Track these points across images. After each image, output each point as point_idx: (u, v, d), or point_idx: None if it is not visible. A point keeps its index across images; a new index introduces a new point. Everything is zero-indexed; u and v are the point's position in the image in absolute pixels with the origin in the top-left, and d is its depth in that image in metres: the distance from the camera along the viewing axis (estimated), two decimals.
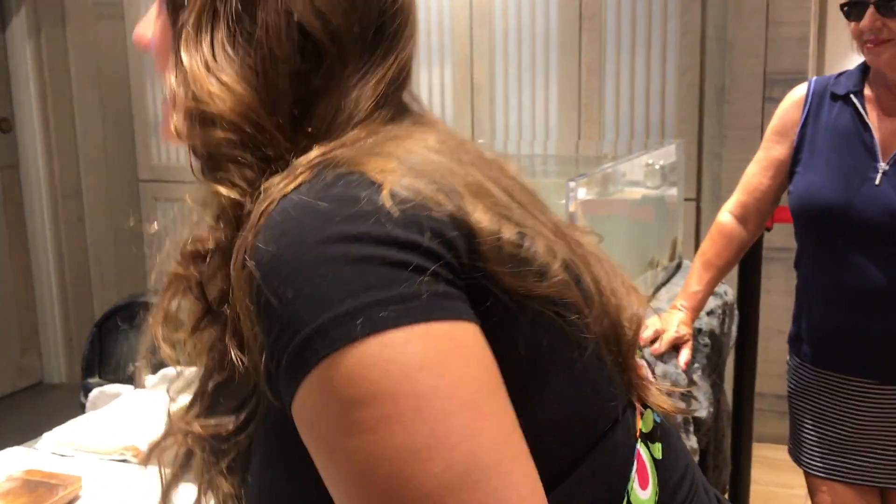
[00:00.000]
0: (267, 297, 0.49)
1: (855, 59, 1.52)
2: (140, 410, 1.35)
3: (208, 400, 0.58)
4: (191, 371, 0.63)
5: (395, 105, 0.64)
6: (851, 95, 1.48)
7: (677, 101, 2.92)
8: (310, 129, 0.58)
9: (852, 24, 1.41)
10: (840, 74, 1.54)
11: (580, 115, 3.05)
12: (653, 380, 0.65)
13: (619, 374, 0.60)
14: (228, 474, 0.57)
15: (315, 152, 0.55)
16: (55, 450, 1.22)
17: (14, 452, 1.22)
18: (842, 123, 1.48)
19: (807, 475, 1.60)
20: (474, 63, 3.18)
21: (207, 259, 0.57)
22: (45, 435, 1.25)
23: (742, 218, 1.61)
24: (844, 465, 1.53)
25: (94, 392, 1.81)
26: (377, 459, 0.46)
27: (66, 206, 3.90)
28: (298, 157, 0.56)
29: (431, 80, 3.27)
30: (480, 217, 0.52)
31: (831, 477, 1.54)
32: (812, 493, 1.60)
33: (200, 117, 0.57)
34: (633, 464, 0.58)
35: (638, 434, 0.60)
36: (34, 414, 3.65)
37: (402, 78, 0.66)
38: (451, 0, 3.16)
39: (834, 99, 1.50)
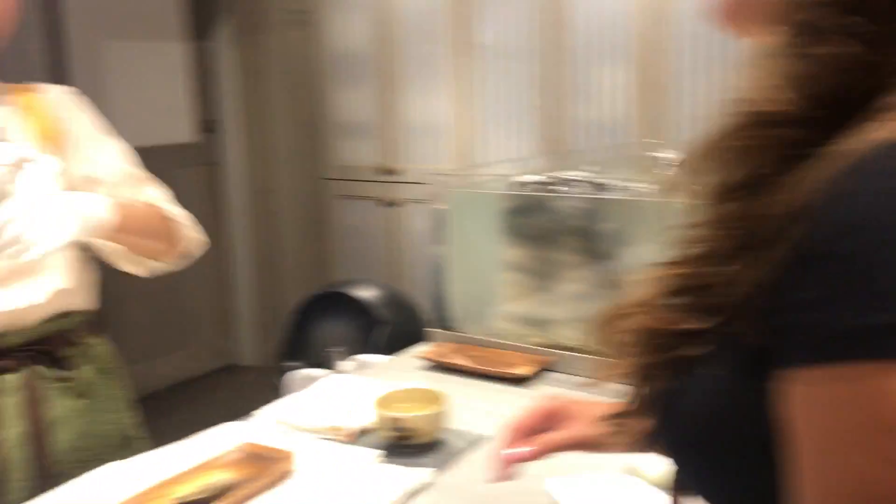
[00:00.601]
0: (843, 247, 0.41)
1: None
2: (338, 394, 1.45)
3: (685, 289, 0.54)
4: None
5: None
6: None
7: None
8: None
9: None
10: None
11: None
12: None
13: None
14: (665, 369, 0.55)
15: None
16: (267, 426, 1.33)
17: (233, 427, 1.34)
18: None
19: None
20: (658, 62, 3.13)
21: (765, 128, 0.49)
22: (260, 411, 1.37)
23: None
24: None
25: (293, 375, 1.95)
26: (874, 495, 0.41)
27: (261, 202, 4.19)
28: None
29: (615, 79, 3.25)
30: None
31: None
32: None
33: None
34: None
35: None
36: (227, 393, 3.95)
37: None
38: None
39: None
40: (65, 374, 1.29)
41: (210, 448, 1.22)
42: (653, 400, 0.58)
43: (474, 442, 1.27)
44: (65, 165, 1.30)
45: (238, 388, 3.99)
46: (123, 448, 1.36)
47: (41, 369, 1.27)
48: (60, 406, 1.28)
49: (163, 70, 3.88)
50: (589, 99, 3.31)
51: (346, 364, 1.78)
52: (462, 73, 3.63)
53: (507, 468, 0.91)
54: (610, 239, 1.58)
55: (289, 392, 1.90)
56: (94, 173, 1.34)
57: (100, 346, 1.38)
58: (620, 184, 1.69)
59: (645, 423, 0.60)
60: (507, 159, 3.48)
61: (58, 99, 1.35)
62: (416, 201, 3.87)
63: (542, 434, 0.91)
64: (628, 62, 3.20)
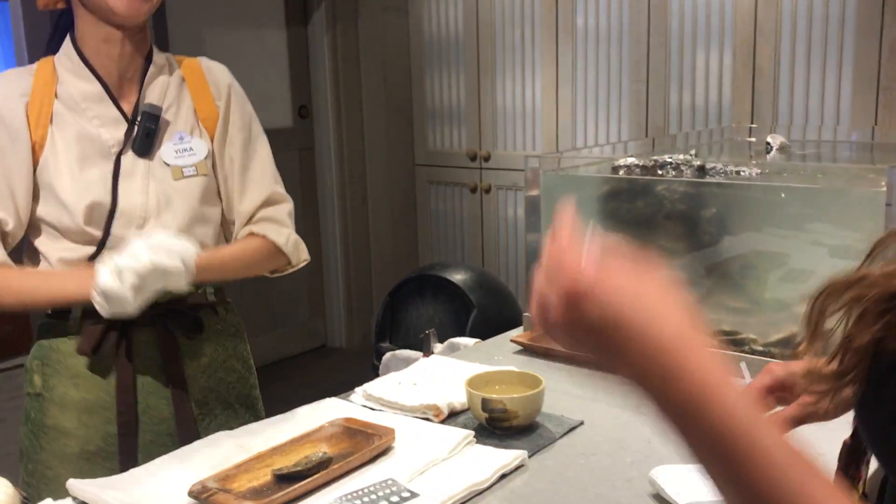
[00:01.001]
0: None
1: None
2: (432, 375, 1.46)
3: None
4: None
5: None
6: None
7: None
8: None
9: None
10: None
11: (878, 99, 2.80)
12: None
13: None
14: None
15: None
16: (366, 403, 1.35)
17: (331, 403, 1.37)
18: None
19: None
20: (757, 45, 3.03)
21: None
22: (357, 389, 1.39)
23: None
24: None
25: (387, 355, 1.98)
26: None
27: (351, 187, 4.25)
28: None
29: (709, 65, 3.16)
30: None
31: None
32: None
33: None
34: None
35: None
36: (320, 373, 4.04)
37: None
38: None
39: None
40: (194, 334, 1.42)
41: (309, 422, 1.25)
42: (881, 374, 0.59)
43: (568, 427, 1.26)
44: (212, 148, 1.43)
45: (330, 369, 4.07)
46: (245, 407, 1.50)
47: (172, 327, 1.40)
48: (189, 363, 1.42)
49: (261, 56, 3.97)
50: (685, 83, 3.23)
51: (439, 346, 1.80)
52: (555, 57, 3.59)
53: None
54: (711, 224, 1.53)
55: (383, 372, 1.93)
56: (234, 193, 1.46)
57: (227, 313, 1.51)
58: (721, 167, 1.65)
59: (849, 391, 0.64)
60: (602, 144, 3.43)
61: (217, 76, 1.47)
62: (508, 187, 3.86)
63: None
64: (727, 46, 3.10)
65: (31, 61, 1.43)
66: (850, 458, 0.73)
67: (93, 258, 1.34)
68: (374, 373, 2.04)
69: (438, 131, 4.12)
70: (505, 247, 3.92)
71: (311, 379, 3.89)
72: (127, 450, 1.36)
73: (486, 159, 3.90)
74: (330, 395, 1.40)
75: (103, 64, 1.37)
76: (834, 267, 1.38)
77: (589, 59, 3.49)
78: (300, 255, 1.50)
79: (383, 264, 4.31)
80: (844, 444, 0.76)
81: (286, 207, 1.51)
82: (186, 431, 1.38)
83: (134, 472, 1.15)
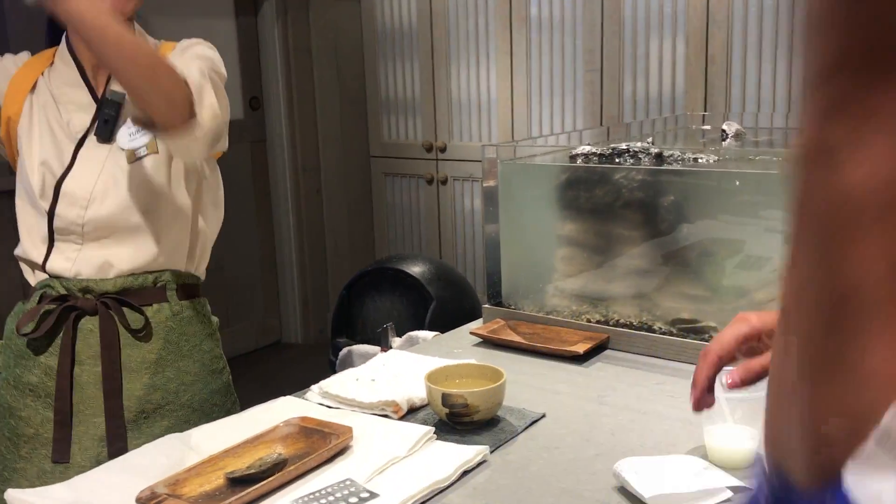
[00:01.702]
0: None
1: None
2: (390, 370, 1.43)
3: None
4: None
5: None
6: None
7: None
8: None
9: None
10: None
11: None
12: None
13: None
14: None
15: None
16: (322, 401, 1.31)
17: (286, 402, 1.32)
18: None
19: None
20: (710, 34, 3.04)
21: None
22: (313, 387, 1.35)
23: None
24: None
25: (344, 351, 1.94)
26: None
27: (305, 180, 4.18)
28: None
29: (663, 54, 3.17)
30: None
31: None
32: None
33: None
34: None
35: None
36: (274, 369, 3.97)
37: None
38: None
39: None
40: (137, 326, 1.42)
41: (263, 422, 1.21)
42: None
43: (530, 420, 1.24)
44: None
45: (286, 365, 4.01)
46: (199, 412, 1.48)
47: (117, 318, 1.40)
48: (131, 356, 1.42)
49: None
50: (639, 71, 3.23)
51: (397, 340, 1.76)
52: (510, 47, 3.56)
53: (709, 396, 0.95)
54: (669, 212, 1.52)
55: (340, 368, 1.89)
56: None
57: (187, 311, 1.49)
58: (679, 155, 1.64)
59: None
60: (558, 133, 3.42)
61: (185, 43, 1.47)
62: (465, 178, 3.84)
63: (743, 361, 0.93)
64: (679, 35, 3.11)
65: (15, 52, 1.53)
66: None
67: (49, 234, 1.41)
68: (331, 369, 2.00)
69: (393, 122, 4.07)
70: (462, 238, 3.90)
71: (267, 376, 3.83)
72: (61, 438, 1.38)
73: (443, 150, 3.87)
74: (286, 393, 1.36)
75: (83, 51, 1.44)
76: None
77: (543, 48, 3.47)
78: (203, 105, 1.33)
79: (339, 257, 4.25)
80: None
81: (199, 50, 1.43)
82: (114, 430, 1.38)
83: (76, 481, 1.10)
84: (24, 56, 1.50)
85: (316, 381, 1.37)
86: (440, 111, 3.85)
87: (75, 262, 1.42)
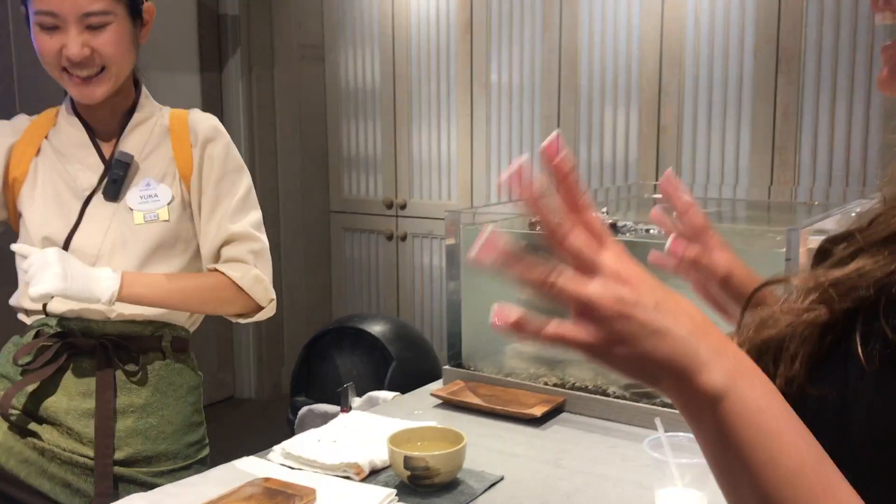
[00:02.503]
0: None
1: None
2: (351, 430, 1.45)
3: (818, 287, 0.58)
4: None
5: None
6: None
7: (883, 151, 2.78)
8: None
9: None
10: None
11: (773, 159, 2.97)
12: None
13: None
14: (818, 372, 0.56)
15: None
16: (284, 462, 1.33)
17: (249, 462, 1.34)
18: None
19: None
20: (662, 104, 3.18)
21: None
22: (275, 447, 1.37)
23: None
24: None
25: (304, 410, 1.95)
26: None
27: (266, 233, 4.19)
28: None
29: (616, 122, 3.29)
30: None
31: None
32: None
33: None
34: None
35: None
36: (227, 425, 3.92)
37: None
38: (640, 41, 3.18)
39: None
40: (132, 370, 1.47)
41: (227, 482, 1.23)
42: (814, 412, 0.56)
43: (489, 483, 1.27)
44: (180, 197, 1.50)
45: (241, 421, 3.97)
46: (164, 458, 1.51)
47: (113, 360, 1.46)
48: (121, 398, 1.47)
49: (174, 101, 3.90)
50: (594, 139, 3.35)
51: (357, 400, 1.78)
52: (470, 110, 3.67)
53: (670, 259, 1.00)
54: None
55: (299, 427, 1.90)
56: (206, 228, 1.52)
57: (178, 364, 1.55)
58: (632, 225, 1.71)
59: None
60: (518, 199, 3.50)
61: (197, 128, 1.53)
62: (424, 235, 3.89)
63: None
64: (633, 105, 3.24)
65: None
66: None
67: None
68: (289, 427, 2.01)
69: (354, 179, 4.13)
70: (420, 295, 3.94)
71: (222, 431, 3.78)
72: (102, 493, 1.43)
73: (403, 207, 3.93)
74: (244, 449, 1.38)
75: (90, 114, 1.51)
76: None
77: (503, 112, 3.58)
78: (262, 292, 1.52)
79: (296, 312, 4.25)
80: None
81: (248, 245, 1.53)
82: (102, 468, 1.43)
83: None
84: (23, 121, 1.56)
85: (273, 439, 1.39)
86: (401, 169, 3.93)
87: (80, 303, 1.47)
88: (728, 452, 0.52)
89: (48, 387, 1.47)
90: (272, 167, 4.19)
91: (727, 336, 0.56)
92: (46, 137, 1.53)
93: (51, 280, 1.33)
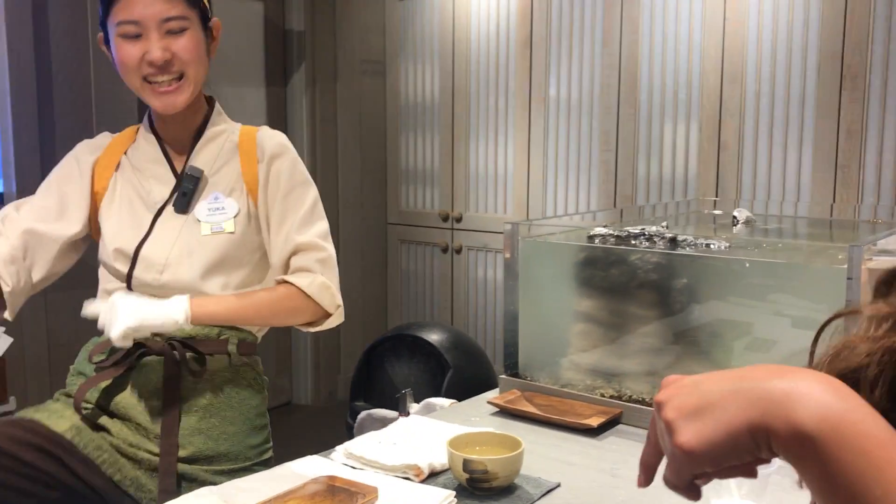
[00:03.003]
0: None
1: None
2: (410, 434, 1.49)
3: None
4: None
5: None
6: None
7: None
8: None
9: None
10: None
11: (836, 177, 2.94)
12: None
13: None
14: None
15: None
16: (346, 461, 1.37)
17: (313, 460, 1.38)
18: None
19: None
20: (723, 121, 3.16)
21: None
22: (338, 447, 1.41)
23: None
24: None
25: (363, 414, 1.99)
26: None
27: None
28: None
29: (676, 138, 3.29)
30: None
31: None
32: None
33: None
34: None
35: None
36: (287, 429, 4.00)
37: None
38: (701, 57, 3.17)
39: None
40: (197, 370, 1.53)
41: (292, 479, 1.27)
42: None
43: (546, 489, 1.29)
44: (245, 210, 1.58)
45: (298, 426, 4.04)
46: (225, 459, 1.56)
47: (180, 361, 1.52)
48: (185, 397, 1.54)
49: (240, 114, 4.00)
50: (652, 154, 3.35)
51: (415, 406, 1.82)
52: (528, 125, 3.70)
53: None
54: (682, 293, 1.60)
55: (358, 431, 1.95)
56: (274, 240, 1.59)
57: (244, 367, 1.61)
58: (692, 240, 1.72)
59: None
60: (574, 213, 3.52)
61: (265, 144, 1.60)
62: (479, 248, 3.93)
63: None
64: (693, 120, 3.23)
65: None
66: None
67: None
68: (347, 431, 2.05)
69: (412, 192, 4.19)
70: (475, 306, 3.97)
71: (281, 436, 3.86)
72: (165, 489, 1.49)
73: (458, 220, 3.98)
74: (303, 453, 1.42)
75: (164, 129, 1.62)
76: (796, 337, 1.45)
77: (560, 127, 3.60)
78: (328, 299, 1.58)
79: (352, 322, 4.32)
80: None
81: (315, 255, 1.59)
82: (166, 466, 1.48)
83: None
84: (105, 138, 1.67)
85: (332, 444, 1.44)
86: (458, 182, 3.97)
87: None
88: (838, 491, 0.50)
89: (120, 384, 1.54)
90: (332, 179, 4.27)
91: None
92: (125, 153, 1.63)
93: (123, 318, 1.42)
